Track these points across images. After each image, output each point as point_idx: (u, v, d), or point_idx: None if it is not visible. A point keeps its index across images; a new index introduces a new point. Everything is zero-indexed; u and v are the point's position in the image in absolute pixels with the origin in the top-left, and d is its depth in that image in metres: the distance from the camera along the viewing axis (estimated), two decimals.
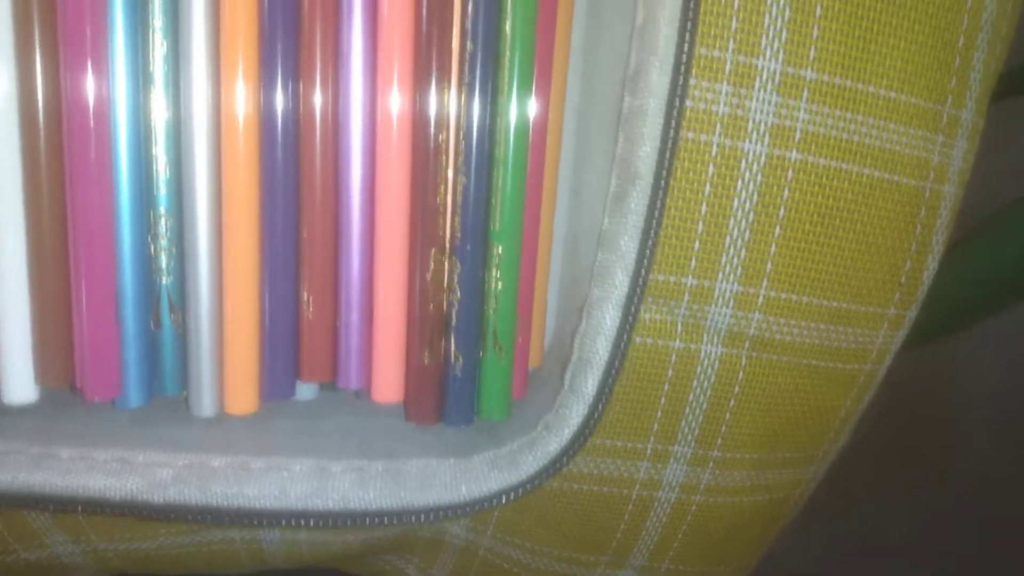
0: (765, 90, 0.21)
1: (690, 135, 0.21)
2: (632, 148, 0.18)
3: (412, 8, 0.19)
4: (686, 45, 0.17)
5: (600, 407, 0.19)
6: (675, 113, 0.18)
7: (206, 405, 0.21)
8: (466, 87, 0.20)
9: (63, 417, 0.21)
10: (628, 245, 0.18)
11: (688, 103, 0.20)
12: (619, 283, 0.19)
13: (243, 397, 0.21)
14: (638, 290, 0.18)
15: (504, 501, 0.19)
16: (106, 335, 0.20)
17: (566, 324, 0.22)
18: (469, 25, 0.19)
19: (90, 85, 0.19)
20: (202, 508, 0.19)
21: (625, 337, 0.19)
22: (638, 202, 0.18)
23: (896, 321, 0.26)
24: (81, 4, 0.18)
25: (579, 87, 0.22)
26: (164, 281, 0.21)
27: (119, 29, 0.19)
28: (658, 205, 0.18)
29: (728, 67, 0.21)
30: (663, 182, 0.18)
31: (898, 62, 0.22)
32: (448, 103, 0.20)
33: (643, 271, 0.18)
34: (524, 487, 0.19)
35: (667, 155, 0.18)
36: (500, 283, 0.21)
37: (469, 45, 0.19)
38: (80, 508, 0.19)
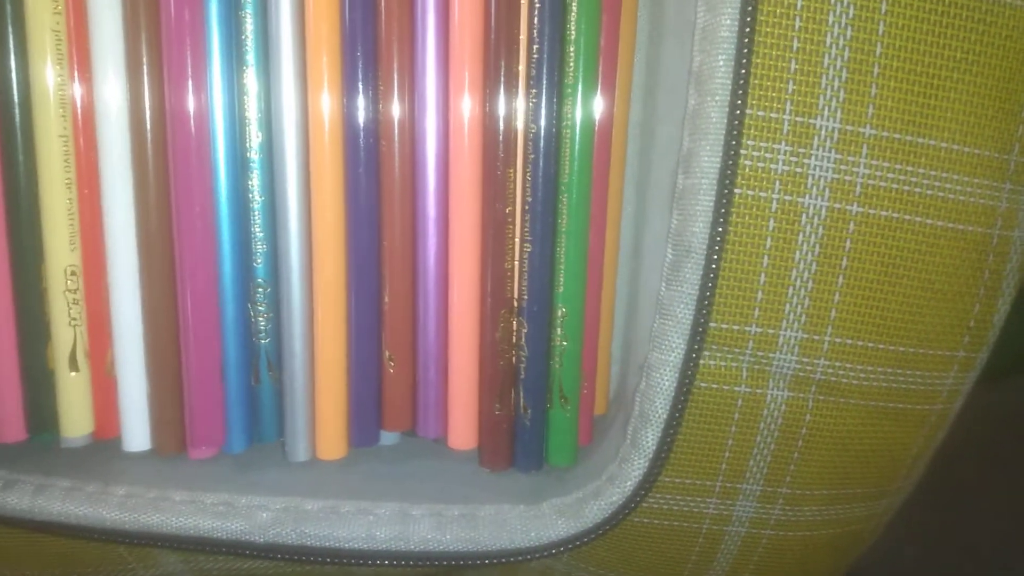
0: (824, 148, 0.22)
1: (750, 192, 0.22)
2: (686, 224, 0.19)
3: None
4: (735, 132, 0.19)
5: (661, 461, 0.20)
6: (726, 193, 0.19)
7: (300, 451, 0.24)
8: (531, 165, 0.21)
9: (174, 462, 0.24)
10: (683, 312, 0.20)
11: (737, 189, 0.22)
12: (675, 347, 0.20)
13: (333, 444, 0.24)
14: (694, 354, 0.20)
15: (571, 547, 0.21)
16: (212, 391, 0.23)
17: (629, 373, 0.23)
18: (532, 107, 0.21)
19: (197, 191, 0.21)
20: (297, 548, 0.22)
21: (683, 396, 0.20)
22: (692, 273, 0.19)
23: (966, 363, 0.26)
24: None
25: (637, 165, 0.23)
26: (263, 342, 0.23)
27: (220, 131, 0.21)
28: (711, 277, 0.19)
29: (786, 128, 0.22)
30: (716, 256, 0.19)
31: (959, 115, 0.22)
32: (514, 179, 0.22)
33: (698, 336, 0.20)
34: (589, 535, 0.21)
35: (719, 231, 0.19)
36: (565, 342, 0.22)
37: (532, 127, 0.21)
38: (190, 546, 0.22)
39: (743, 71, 0.18)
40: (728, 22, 0.18)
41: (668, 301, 0.20)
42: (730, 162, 0.19)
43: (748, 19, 0.18)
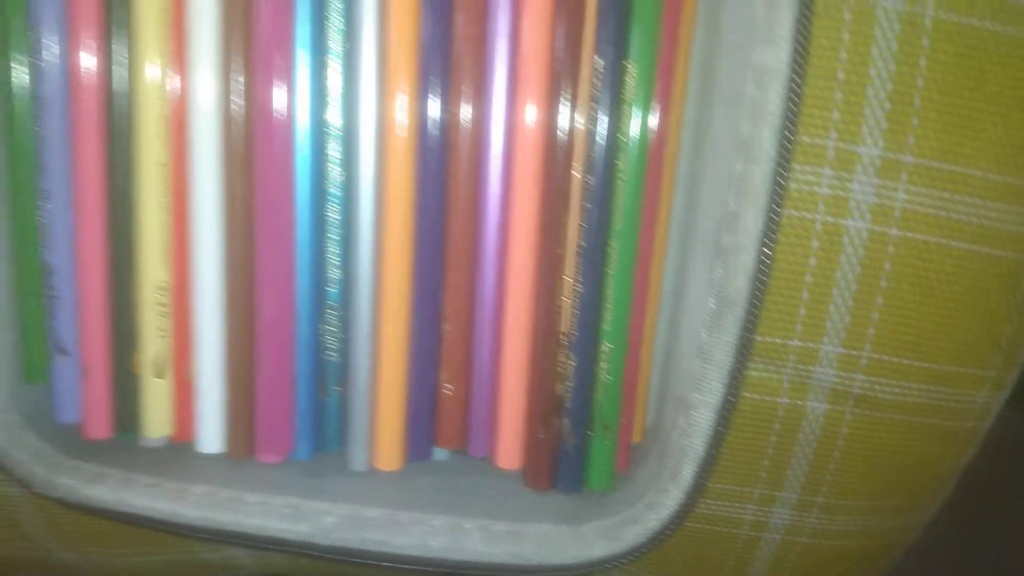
0: (866, 174, 0.24)
1: (795, 213, 0.24)
2: (728, 278, 0.21)
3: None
4: (778, 196, 0.20)
5: (697, 493, 0.22)
6: (767, 252, 0.21)
7: (360, 460, 0.26)
8: (584, 211, 0.23)
9: (245, 465, 0.26)
10: (723, 359, 0.21)
11: (781, 238, 0.23)
12: (715, 390, 0.22)
13: (390, 456, 0.26)
14: (733, 395, 0.22)
15: (609, 566, 0.23)
16: (283, 401, 0.25)
17: (665, 406, 0.25)
18: (592, 143, 0.23)
19: (281, 221, 0.23)
20: (359, 552, 0.24)
21: (720, 434, 0.22)
22: (733, 323, 0.21)
23: (997, 382, 0.27)
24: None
25: (682, 216, 0.25)
26: (331, 359, 0.25)
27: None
28: (750, 327, 0.21)
29: (831, 154, 0.24)
30: (756, 309, 0.21)
31: (996, 145, 0.24)
32: (568, 223, 0.24)
33: (737, 380, 0.22)
34: (627, 557, 0.23)
35: (760, 286, 0.21)
36: (608, 375, 0.24)
37: (587, 178, 0.23)
38: (260, 545, 0.24)
39: (790, 137, 0.20)
40: (782, 56, 0.20)
41: (709, 347, 0.22)
42: (772, 224, 0.20)
43: (799, 57, 0.20)
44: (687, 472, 0.22)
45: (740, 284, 0.21)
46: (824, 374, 0.26)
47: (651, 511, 0.23)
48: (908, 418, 0.27)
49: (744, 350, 0.21)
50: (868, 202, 0.24)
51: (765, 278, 0.21)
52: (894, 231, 0.25)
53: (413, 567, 0.23)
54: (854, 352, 0.26)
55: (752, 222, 0.21)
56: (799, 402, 0.26)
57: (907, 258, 0.25)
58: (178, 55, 0.23)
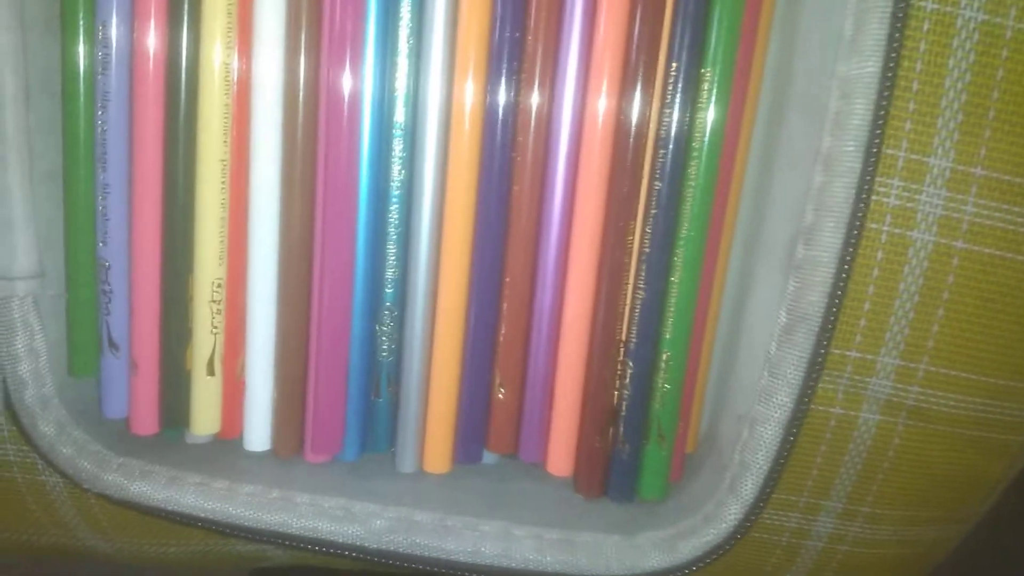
0: (935, 185, 0.23)
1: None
2: (803, 293, 0.21)
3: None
4: (861, 211, 0.20)
5: (759, 509, 0.22)
6: (846, 267, 0.20)
7: (409, 463, 0.25)
8: (651, 217, 0.23)
9: (292, 464, 0.25)
10: (794, 374, 0.21)
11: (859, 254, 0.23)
12: (783, 405, 0.21)
13: (440, 458, 0.25)
14: (802, 411, 0.21)
15: None
16: (336, 401, 0.24)
17: (722, 418, 0.25)
18: (662, 133, 0.22)
19: (343, 219, 0.23)
20: (408, 556, 0.23)
21: (787, 450, 0.21)
22: (805, 338, 0.21)
23: None
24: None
25: (747, 228, 0.25)
26: (385, 360, 0.25)
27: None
28: (825, 342, 0.21)
29: (900, 164, 0.23)
30: (831, 324, 0.21)
31: None
32: (634, 228, 0.23)
33: (808, 394, 0.21)
34: (682, 570, 0.22)
35: (836, 301, 0.20)
36: (667, 384, 0.24)
37: (656, 184, 0.23)
38: (310, 546, 0.24)
39: (875, 151, 0.20)
40: (871, 69, 0.19)
41: (778, 361, 0.21)
42: (852, 239, 0.20)
43: (889, 73, 0.19)
44: (749, 487, 0.22)
45: (815, 299, 0.21)
46: (880, 385, 0.26)
47: (709, 524, 0.22)
48: (960, 431, 0.27)
49: (816, 366, 0.21)
50: (935, 214, 0.24)
51: (841, 293, 0.21)
52: (960, 244, 0.24)
53: (464, 572, 0.23)
54: (912, 364, 0.25)
55: (831, 236, 0.20)
56: (852, 413, 0.26)
57: (971, 271, 0.25)
58: (244, 40, 0.22)
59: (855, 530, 0.29)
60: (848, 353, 0.25)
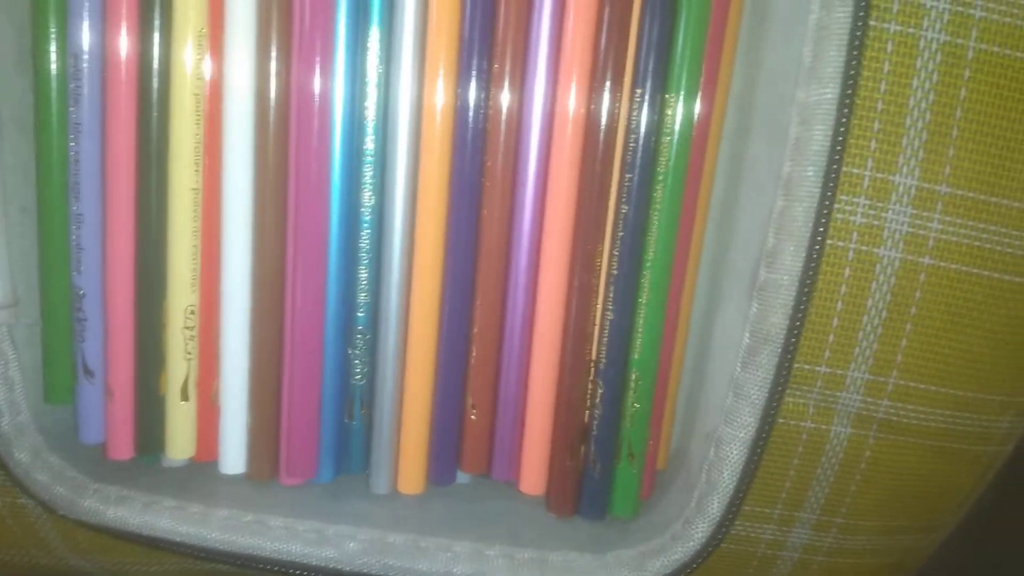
0: (901, 203, 0.24)
1: (828, 242, 0.24)
2: (765, 315, 0.21)
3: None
4: (820, 236, 0.20)
5: (725, 527, 0.22)
6: (807, 289, 0.21)
7: (383, 484, 0.26)
8: (618, 241, 0.23)
9: (267, 487, 0.26)
10: (758, 395, 0.21)
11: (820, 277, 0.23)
12: (747, 424, 0.22)
13: (413, 480, 0.26)
14: (766, 430, 0.21)
15: None
16: (310, 425, 0.25)
17: (692, 437, 0.25)
18: (631, 146, 0.23)
19: (311, 243, 0.23)
20: None
21: (751, 469, 0.22)
22: (768, 359, 0.21)
23: (1023, 407, 0.28)
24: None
25: (713, 250, 0.25)
26: (358, 383, 0.25)
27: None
28: (787, 363, 0.21)
29: (866, 183, 0.24)
30: (792, 344, 0.21)
31: None
32: (602, 251, 0.23)
33: (771, 415, 0.21)
34: None
35: (798, 323, 0.21)
36: (636, 404, 0.24)
37: (624, 207, 0.23)
38: (284, 569, 0.24)
39: (834, 175, 0.20)
40: (829, 96, 0.20)
41: (743, 382, 0.22)
42: (813, 261, 0.20)
43: (847, 99, 0.20)
44: (716, 506, 0.22)
45: (777, 321, 0.21)
46: (850, 399, 0.26)
47: (676, 543, 0.23)
48: (931, 442, 0.27)
49: (779, 386, 0.21)
50: (902, 231, 0.24)
51: (802, 315, 0.21)
52: (926, 260, 0.25)
53: None
54: (881, 378, 0.26)
55: (791, 259, 0.20)
56: (823, 426, 0.26)
57: (938, 287, 0.25)
58: (216, 63, 0.22)
59: (830, 540, 0.29)
60: (818, 368, 0.26)
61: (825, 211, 0.20)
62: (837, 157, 0.20)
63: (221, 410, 0.25)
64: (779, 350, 0.21)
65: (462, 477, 0.27)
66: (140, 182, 0.23)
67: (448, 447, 0.25)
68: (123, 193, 0.23)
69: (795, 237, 0.20)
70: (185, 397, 0.25)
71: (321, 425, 0.25)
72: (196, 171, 0.23)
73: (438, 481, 0.26)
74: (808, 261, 0.20)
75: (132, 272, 0.24)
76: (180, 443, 0.25)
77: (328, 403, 0.25)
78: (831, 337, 0.25)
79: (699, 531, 0.22)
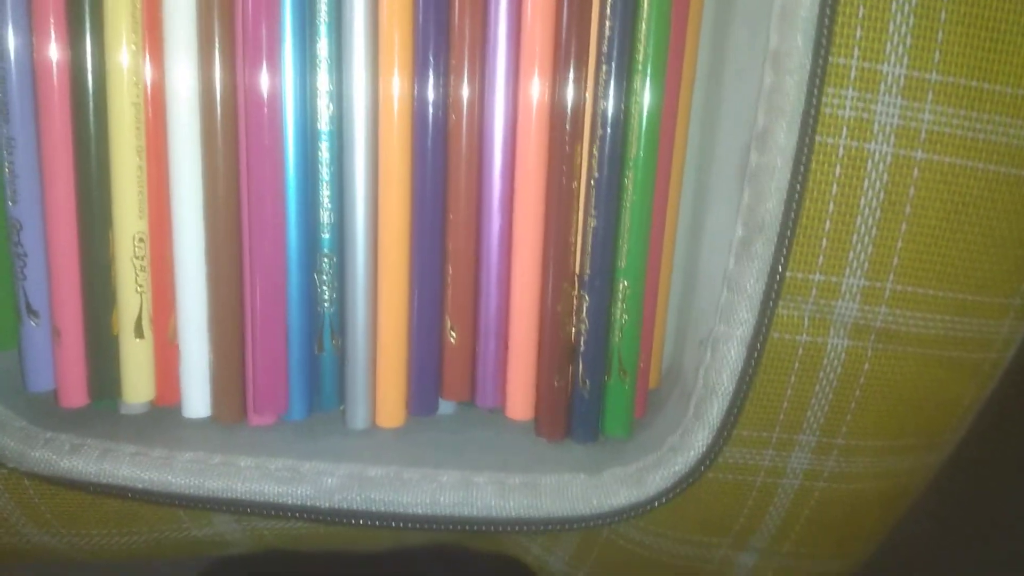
0: (890, 94, 0.22)
1: (817, 138, 0.22)
2: (759, 201, 0.20)
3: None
4: (813, 109, 0.19)
5: (726, 434, 0.21)
6: (801, 170, 0.19)
7: (360, 419, 0.24)
8: (598, 140, 0.22)
9: (235, 429, 0.24)
10: (754, 287, 0.20)
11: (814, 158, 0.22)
12: (744, 321, 0.20)
13: (392, 412, 0.24)
14: (764, 327, 0.20)
15: (632, 515, 0.21)
16: (276, 360, 0.23)
17: (685, 349, 0.24)
18: (602, 85, 0.21)
19: (267, 161, 0.21)
20: (363, 513, 0.22)
21: (751, 370, 0.20)
22: (764, 248, 0.20)
23: (1022, 310, 0.27)
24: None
25: (698, 143, 0.23)
26: (327, 311, 0.23)
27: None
28: (784, 251, 0.20)
29: (853, 73, 0.22)
30: (789, 231, 0.20)
31: None
32: (581, 152, 0.22)
33: (769, 309, 0.20)
34: (651, 503, 0.21)
35: (793, 207, 0.19)
36: (625, 316, 0.23)
37: (602, 103, 0.21)
38: (257, 512, 0.22)
39: (823, 47, 0.19)
40: None
41: (738, 276, 0.20)
42: (807, 140, 0.19)
43: None
44: (715, 410, 0.21)
45: (772, 206, 0.19)
46: (846, 309, 0.25)
47: (676, 454, 0.21)
48: (930, 351, 0.26)
49: (776, 277, 0.20)
50: (892, 124, 0.23)
51: (798, 199, 0.19)
52: (919, 154, 0.23)
53: (423, 526, 0.22)
54: (877, 284, 0.25)
55: (785, 138, 0.19)
56: (820, 339, 0.25)
57: (932, 182, 0.24)
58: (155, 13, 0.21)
59: (831, 464, 0.28)
60: (812, 276, 0.24)
61: (817, 83, 0.19)
62: (827, 23, 0.19)
63: (180, 349, 0.23)
64: (775, 238, 0.20)
65: (445, 407, 0.25)
66: (75, 96, 0.21)
67: (428, 374, 0.24)
68: (58, 109, 0.21)
69: (787, 114, 0.19)
70: (140, 334, 0.23)
71: (289, 359, 0.23)
72: (136, 84, 0.21)
73: (419, 411, 0.24)
74: (802, 140, 0.19)
75: (72, 200, 0.22)
76: (137, 385, 0.23)
77: (295, 334, 0.23)
78: (824, 242, 0.24)
79: (699, 439, 0.21)
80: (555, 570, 0.35)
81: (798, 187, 0.19)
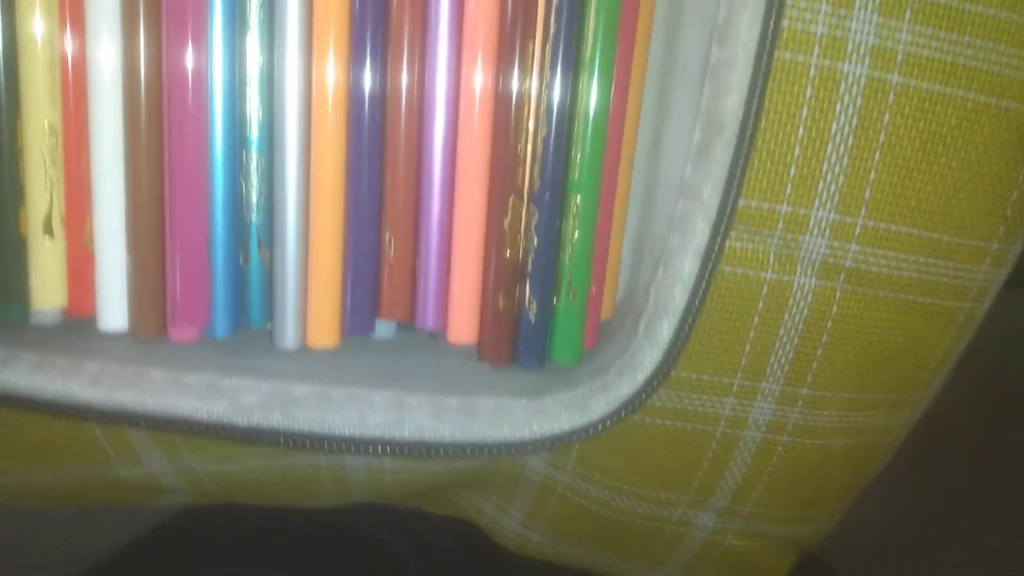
0: (866, 9, 0.21)
1: (787, 55, 0.21)
2: (718, 99, 0.18)
3: None
4: (777, 2, 0.17)
5: (676, 353, 0.19)
6: (764, 64, 0.18)
7: (290, 338, 0.22)
8: (551, 40, 0.20)
9: (155, 343, 0.22)
10: (711, 195, 0.18)
11: (770, 84, 0.20)
12: (699, 231, 0.19)
13: (325, 331, 0.22)
14: (719, 238, 0.19)
15: (575, 440, 0.20)
16: (197, 269, 0.21)
17: (638, 278, 0.22)
18: None
19: (189, 37, 0.20)
20: (285, 432, 0.20)
21: (704, 284, 0.19)
22: (723, 152, 0.18)
23: (999, 256, 0.25)
24: None
25: (662, 41, 0.22)
26: (254, 219, 0.21)
27: None
28: (743, 155, 0.18)
29: None
30: (749, 132, 0.18)
31: None
32: (533, 54, 0.20)
33: (725, 219, 0.19)
34: (595, 427, 0.20)
35: (754, 106, 0.18)
36: (577, 232, 0.21)
37: (551, 21, 0.20)
38: (168, 427, 0.20)
39: None
40: None
41: (694, 182, 0.19)
42: (771, 28, 0.17)
43: None
44: (665, 329, 0.19)
45: (732, 104, 0.18)
46: (815, 244, 0.23)
47: (623, 376, 0.20)
48: (903, 296, 0.25)
49: (735, 183, 0.18)
50: (868, 43, 0.21)
51: (759, 97, 0.18)
52: (895, 77, 0.22)
53: (349, 448, 0.20)
54: (848, 219, 0.23)
55: (746, 30, 0.18)
56: (786, 277, 0.24)
57: (909, 109, 0.22)
58: None
59: (795, 417, 0.26)
60: (778, 207, 0.23)
61: None
62: None
63: (96, 254, 0.21)
64: (734, 139, 0.18)
65: (383, 330, 0.24)
66: None
67: (363, 290, 0.22)
68: None
69: (750, 4, 0.18)
70: (49, 232, 0.21)
71: (212, 270, 0.21)
72: None
73: (354, 330, 0.22)
74: (764, 29, 0.18)
75: None
76: (47, 289, 0.21)
77: (219, 243, 0.21)
78: (792, 169, 0.23)
79: (648, 360, 0.20)
80: (509, 530, 0.34)
81: (760, 83, 0.18)
